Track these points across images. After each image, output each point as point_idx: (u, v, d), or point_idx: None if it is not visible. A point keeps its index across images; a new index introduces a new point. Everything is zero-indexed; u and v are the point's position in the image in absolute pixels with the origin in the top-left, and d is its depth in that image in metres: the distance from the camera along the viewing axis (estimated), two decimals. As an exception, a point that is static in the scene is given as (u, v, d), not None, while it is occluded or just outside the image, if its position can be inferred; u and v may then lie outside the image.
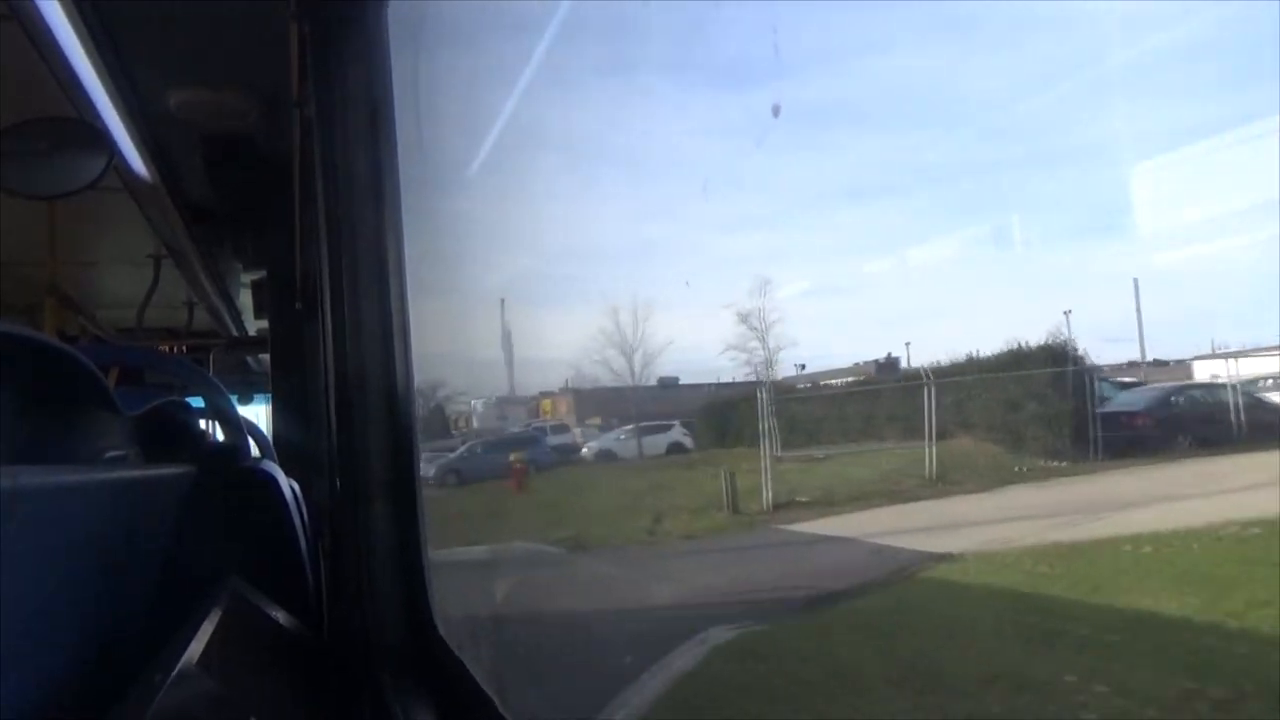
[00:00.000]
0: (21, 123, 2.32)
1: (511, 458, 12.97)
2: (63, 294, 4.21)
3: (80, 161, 2.40)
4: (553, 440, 15.66)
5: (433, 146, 2.06)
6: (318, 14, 1.67)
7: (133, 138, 2.68)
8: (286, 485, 1.95)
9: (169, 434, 1.77)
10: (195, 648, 1.01)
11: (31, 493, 0.77)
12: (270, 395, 3.94)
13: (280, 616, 1.56)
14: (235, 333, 5.71)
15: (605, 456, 14.11)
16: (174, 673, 0.90)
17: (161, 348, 5.24)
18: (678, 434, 14.05)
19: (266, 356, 4.98)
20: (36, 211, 3.13)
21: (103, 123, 2.48)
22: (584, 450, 15.00)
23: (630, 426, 14.39)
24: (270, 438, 3.83)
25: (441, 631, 1.35)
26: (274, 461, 2.43)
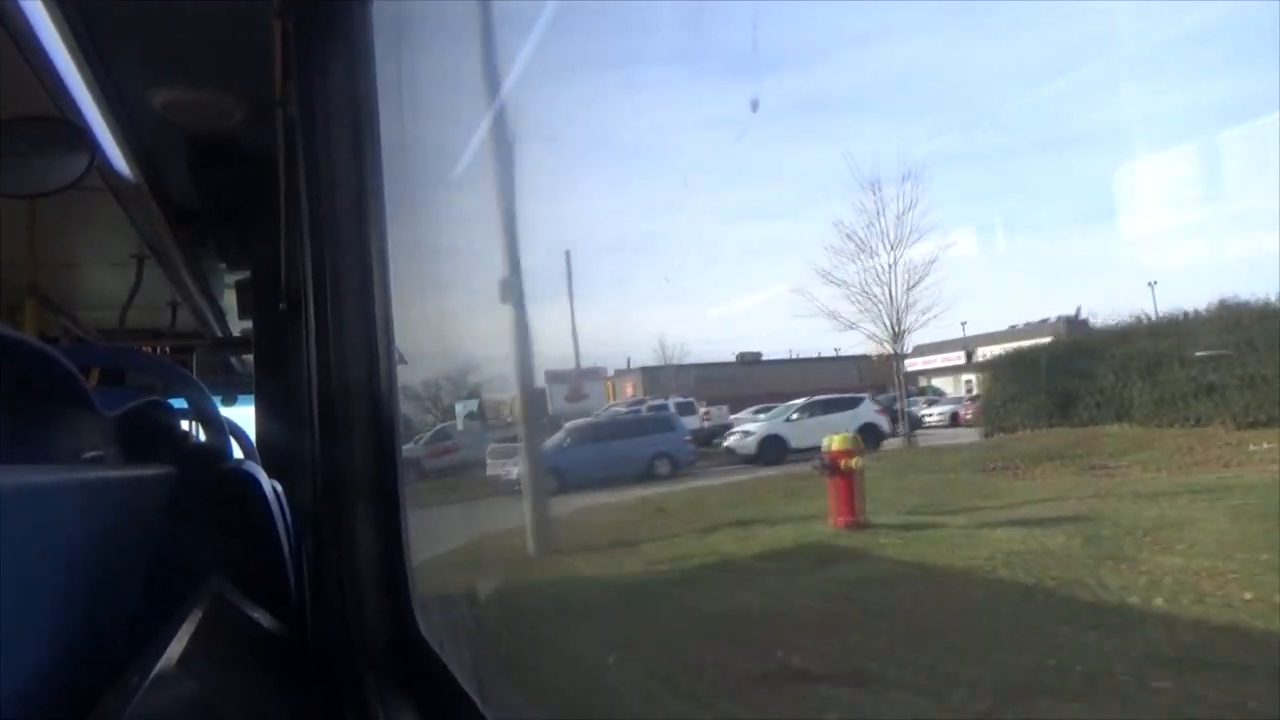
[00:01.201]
0: (2, 121, 2.30)
1: (829, 446, 6.92)
2: (43, 295, 4.17)
3: (62, 160, 2.38)
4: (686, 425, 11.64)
5: (421, 144, 2.05)
6: (301, 11, 1.66)
7: (115, 137, 2.67)
8: (269, 486, 1.93)
9: (150, 434, 1.76)
10: (175, 649, 1.00)
11: (8, 493, 0.76)
12: (254, 396, 3.91)
13: (262, 618, 1.55)
14: (219, 333, 5.68)
15: (774, 446, 10.00)
16: (153, 674, 0.90)
17: (145, 349, 5.21)
18: (869, 412, 10.34)
19: (250, 357, 4.95)
20: (17, 211, 3.11)
21: (85, 121, 2.46)
22: (732, 439, 10.87)
23: (801, 401, 10.46)
24: (254, 439, 3.81)
25: (423, 632, 1.35)
26: (257, 462, 2.41)
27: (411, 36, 1.82)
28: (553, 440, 11.79)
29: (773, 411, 10.89)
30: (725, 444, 11.08)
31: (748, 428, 10.76)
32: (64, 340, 4.62)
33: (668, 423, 11.63)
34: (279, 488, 2.21)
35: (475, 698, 1.06)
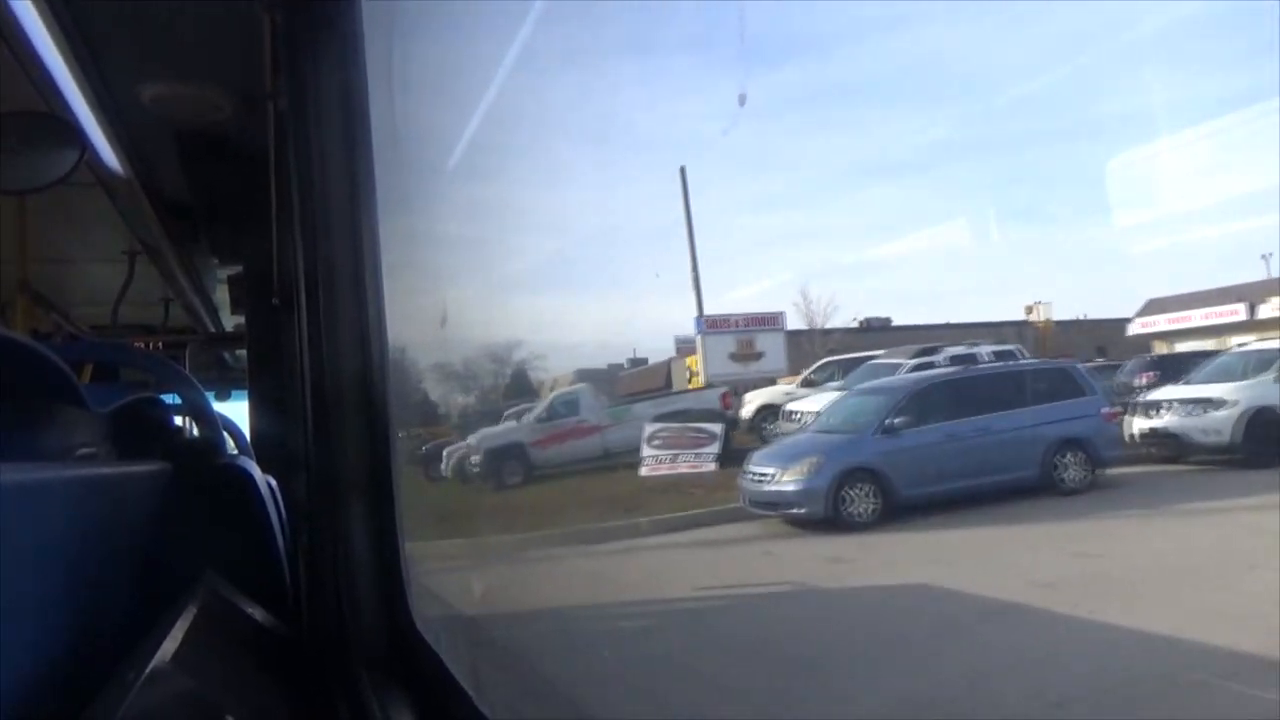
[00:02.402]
0: (-9, 117, 2.29)
1: None
2: (35, 291, 4.15)
3: (51, 156, 2.37)
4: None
5: (414, 136, 2.04)
6: (291, 5, 1.65)
7: (105, 132, 2.65)
8: (263, 482, 1.93)
9: (143, 430, 1.75)
10: (170, 645, 1.00)
11: (1, 491, 0.76)
12: (247, 392, 3.91)
13: (257, 613, 1.55)
14: (212, 329, 5.67)
15: (1265, 427, 5.33)
16: (148, 670, 0.90)
17: (137, 345, 5.19)
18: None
19: (244, 352, 4.95)
20: (7, 207, 3.09)
21: (74, 117, 2.45)
22: (1172, 416, 6.00)
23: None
24: (248, 434, 3.80)
25: (419, 627, 1.35)
26: (251, 458, 2.41)
27: (404, 26, 1.80)
28: (851, 409, 7.13)
29: (1215, 362, 5.98)
30: (1149, 425, 6.08)
31: (1203, 393, 5.80)
32: (56, 337, 4.60)
33: (1071, 381, 6.59)
34: (273, 483, 2.21)
35: (471, 692, 1.06)
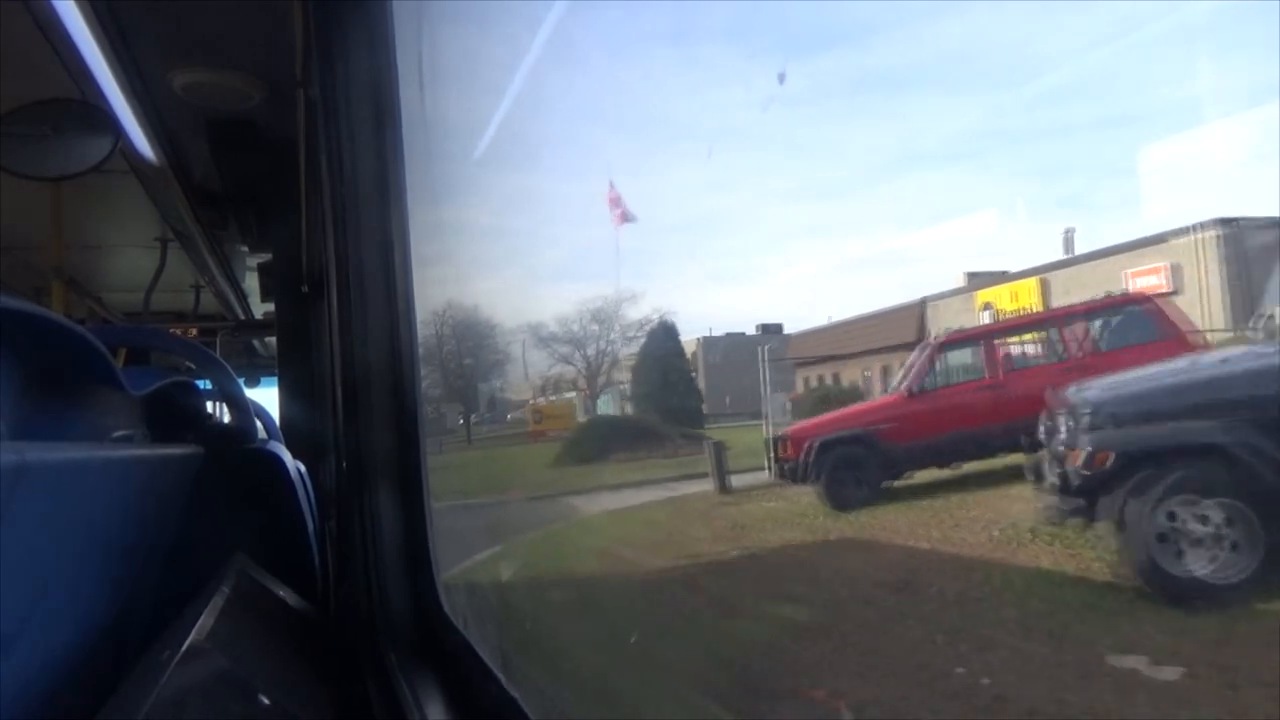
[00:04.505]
0: (27, 105, 2.32)
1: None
2: (69, 277, 4.21)
3: (86, 143, 2.40)
4: None
5: (444, 123, 2.05)
6: (322, -6, 1.66)
7: (139, 120, 2.68)
8: (293, 466, 1.95)
9: (176, 414, 1.77)
10: (203, 625, 1.01)
11: (39, 469, 0.77)
12: (277, 378, 3.95)
13: (287, 595, 1.57)
14: (242, 316, 5.72)
15: None
16: (182, 649, 0.91)
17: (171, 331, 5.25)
18: None
19: (273, 340, 5.00)
20: (42, 194, 3.14)
21: (108, 105, 2.48)
22: None
23: None
24: (277, 420, 3.85)
25: (446, 609, 1.36)
26: (281, 443, 2.44)
27: (434, 13, 1.80)
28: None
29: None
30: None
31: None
32: (90, 322, 4.67)
33: None
34: (303, 468, 2.24)
35: (499, 674, 1.07)
